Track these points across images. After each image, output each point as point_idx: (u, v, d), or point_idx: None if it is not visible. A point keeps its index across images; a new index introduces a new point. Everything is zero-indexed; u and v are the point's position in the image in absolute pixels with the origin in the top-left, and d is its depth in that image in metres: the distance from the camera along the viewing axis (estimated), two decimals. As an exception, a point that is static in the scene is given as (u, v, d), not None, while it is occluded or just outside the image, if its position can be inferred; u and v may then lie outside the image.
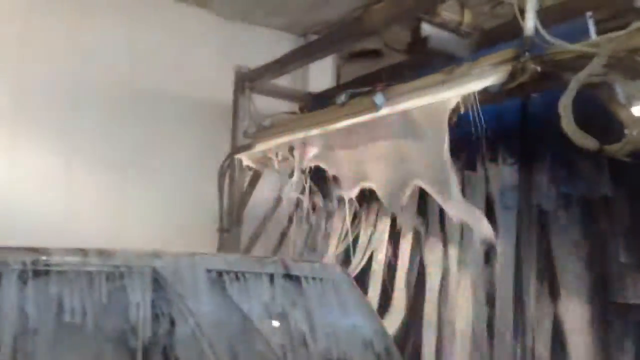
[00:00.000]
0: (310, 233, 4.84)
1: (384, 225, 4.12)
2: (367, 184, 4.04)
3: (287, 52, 5.17)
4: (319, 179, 4.62)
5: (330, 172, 4.36)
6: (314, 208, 4.79)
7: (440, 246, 3.73)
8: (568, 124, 2.60)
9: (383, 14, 3.92)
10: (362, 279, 3.98)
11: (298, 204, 4.84)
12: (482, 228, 3.24)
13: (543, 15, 2.87)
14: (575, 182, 3.15)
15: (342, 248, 4.41)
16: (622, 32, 2.57)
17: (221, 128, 5.45)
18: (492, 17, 3.84)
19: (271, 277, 2.48)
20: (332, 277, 2.71)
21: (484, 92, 3.09)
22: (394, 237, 4.07)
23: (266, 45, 5.91)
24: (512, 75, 2.96)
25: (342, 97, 4.00)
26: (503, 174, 3.43)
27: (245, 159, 5.16)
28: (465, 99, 3.14)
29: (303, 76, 6.17)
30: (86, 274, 2.10)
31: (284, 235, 5.17)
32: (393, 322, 3.77)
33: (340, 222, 4.49)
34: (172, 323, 2.16)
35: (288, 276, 2.52)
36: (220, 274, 2.35)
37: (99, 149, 5.34)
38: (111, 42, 5.43)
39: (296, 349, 2.36)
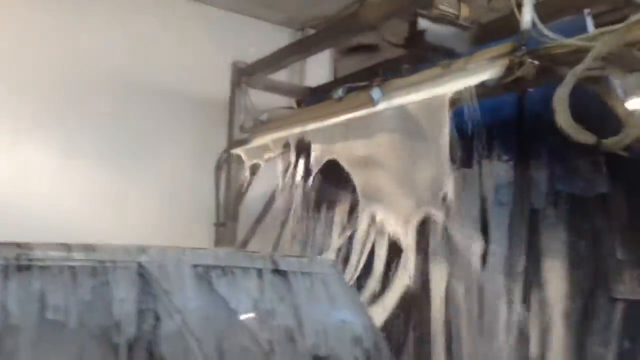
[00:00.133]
0: (309, 227, 4.80)
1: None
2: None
3: (284, 47, 5.14)
4: (320, 171, 4.58)
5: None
6: (313, 202, 4.75)
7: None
8: (564, 118, 2.57)
9: (380, 8, 3.89)
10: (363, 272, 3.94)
11: (296, 197, 4.80)
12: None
13: (540, 9, 2.84)
14: (572, 179, 3.12)
15: (341, 241, 4.37)
16: (619, 26, 2.53)
17: (218, 122, 5.44)
18: (490, 11, 3.79)
19: (259, 272, 2.44)
20: (322, 272, 2.68)
21: (481, 86, 3.06)
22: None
23: (263, 39, 5.86)
24: (509, 69, 2.94)
25: (339, 92, 3.99)
26: (498, 170, 3.40)
27: (242, 153, 5.13)
28: (463, 93, 3.11)
29: (300, 70, 6.14)
30: (70, 269, 2.06)
31: (282, 229, 5.13)
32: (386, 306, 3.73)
33: (340, 216, 4.46)
34: (157, 319, 2.12)
35: (276, 271, 2.49)
36: (207, 269, 2.31)
37: (96, 143, 5.31)
38: (108, 37, 5.40)
39: (284, 345, 2.33)
